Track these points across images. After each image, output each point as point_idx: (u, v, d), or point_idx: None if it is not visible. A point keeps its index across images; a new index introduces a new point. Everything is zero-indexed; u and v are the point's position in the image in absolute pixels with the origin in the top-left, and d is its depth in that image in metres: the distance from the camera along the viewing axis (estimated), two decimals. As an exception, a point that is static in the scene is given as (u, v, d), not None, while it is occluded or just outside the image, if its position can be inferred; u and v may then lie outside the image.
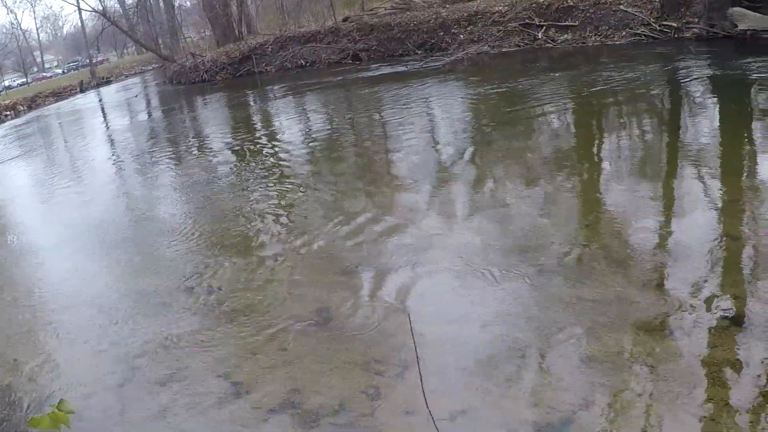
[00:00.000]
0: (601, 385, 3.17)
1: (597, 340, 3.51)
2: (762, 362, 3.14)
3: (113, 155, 12.28)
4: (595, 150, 7.45)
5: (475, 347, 3.64)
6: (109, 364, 4.14)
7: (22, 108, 29.57)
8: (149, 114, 18.40)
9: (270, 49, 22.35)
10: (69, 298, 5.31)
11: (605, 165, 6.77)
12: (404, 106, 11.50)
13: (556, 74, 12.63)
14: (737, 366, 3.14)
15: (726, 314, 3.56)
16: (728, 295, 3.74)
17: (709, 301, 3.71)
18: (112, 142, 13.84)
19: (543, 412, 3.05)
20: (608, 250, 4.55)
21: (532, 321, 3.79)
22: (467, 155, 7.73)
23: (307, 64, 21.04)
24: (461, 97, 11.97)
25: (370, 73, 17.16)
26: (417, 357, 3.36)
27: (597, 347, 3.45)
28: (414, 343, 3.50)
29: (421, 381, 3.17)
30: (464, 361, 3.53)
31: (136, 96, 23.67)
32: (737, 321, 3.48)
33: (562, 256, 4.56)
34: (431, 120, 10.39)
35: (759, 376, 3.06)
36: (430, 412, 2.99)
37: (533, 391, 3.22)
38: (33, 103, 30.80)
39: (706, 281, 3.94)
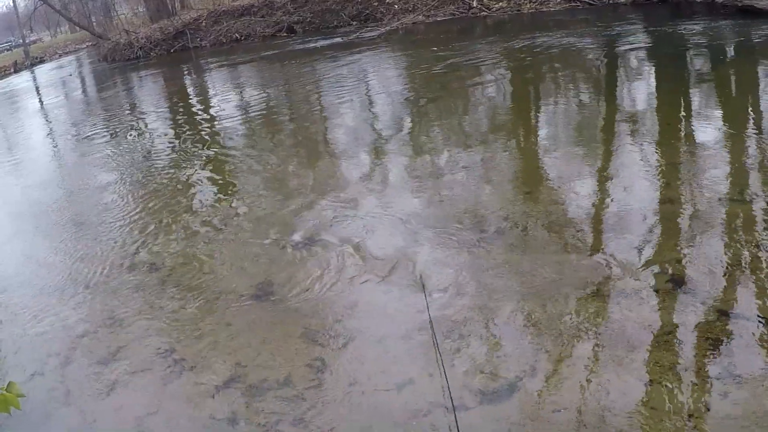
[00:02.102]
0: (545, 351, 3.16)
1: (540, 306, 3.51)
2: (704, 324, 3.16)
3: (51, 133, 11.99)
4: (533, 118, 7.47)
5: (418, 317, 3.60)
6: (51, 344, 4.05)
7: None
8: (84, 91, 18.00)
9: (204, 24, 21.97)
10: (8, 280, 5.15)
11: (544, 132, 6.79)
12: (340, 78, 11.41)
13: (492, 42, 12.60)
14: (680, 329, 3.15)
15: (668, 277, 3.58)
16: (669, 259, 3.77)
17: (650, 265, 3.73)
18: (48, 119, 13.46)
19: (488, 379, 3.05)
20: (549, 217, 4.55)
21: (475, 288, 3.79)
22: (405, 126, 7.69)
23: (242, 38, 20.78)
24: (397, 68, 11.91)
25: (305, 46, 16.98)
26: (431, 322, 3.49)
27: (540, 314, 3.44)
28: (427, 307, 3.63)
29: (439, 352, 3.28)
30: (406, 331, 3.51)
31: (70, 75, 23.06)
32: (679, 284, 3.51)
33: (503, 223, 4.55)
34: (368, 91, 10.31)
35: (702, 338, 3.07)
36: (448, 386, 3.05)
37: (477, 359, 3.20)
38: (-34, 84, 29.80)
39: (647, 245, 3.97)
